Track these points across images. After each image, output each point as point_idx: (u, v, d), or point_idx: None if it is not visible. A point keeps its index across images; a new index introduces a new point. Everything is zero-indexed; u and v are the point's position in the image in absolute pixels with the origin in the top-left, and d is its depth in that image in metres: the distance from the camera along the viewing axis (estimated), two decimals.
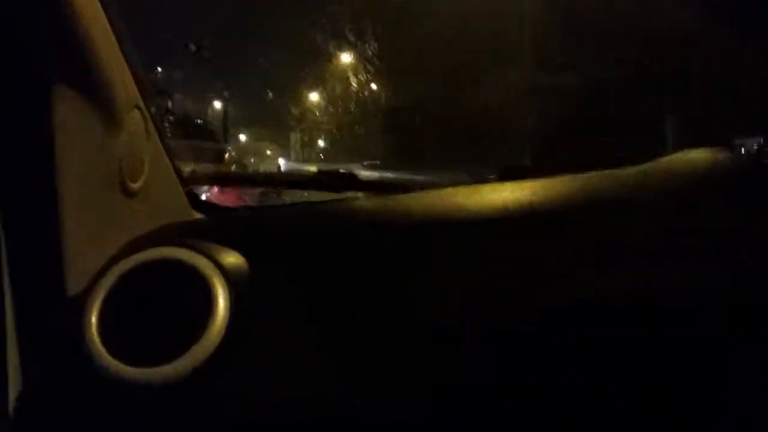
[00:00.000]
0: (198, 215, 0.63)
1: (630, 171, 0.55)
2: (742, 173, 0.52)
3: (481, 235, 0.51)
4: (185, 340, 0.43)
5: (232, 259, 0.48)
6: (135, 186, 0.51)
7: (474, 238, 0.51)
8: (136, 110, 0.50)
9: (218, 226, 0.60)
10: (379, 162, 20.25)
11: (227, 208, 0.68)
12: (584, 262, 0.48)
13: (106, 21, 0.45)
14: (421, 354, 0.46)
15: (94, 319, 0.44)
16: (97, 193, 0.47)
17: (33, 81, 0.42)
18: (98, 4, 0.44)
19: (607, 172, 0.55)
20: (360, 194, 0.70)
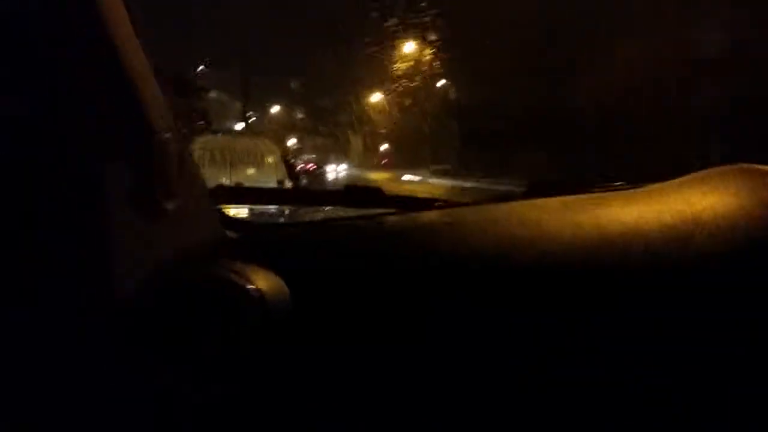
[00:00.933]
0: (229, 233, 0.71)
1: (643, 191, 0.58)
2: None
3: (511, 254, 0.54)
4: (219, 358, 0.49)
5: (265, 278, 0.53)
6: (168, 206, 0.58)
7: (503, 258, 0.54)
8: (169, 133, 0.59)
9: (250, 245, 0.67)
10: (450, 167, 19.96)
11: (258, 225, 0.75)
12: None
13: (140, 49, 0.53)
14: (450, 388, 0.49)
15: (126, 339, 0.50)
16: (132, 214, 0.54)
17: (72, 101, 0.50)
18: (133, 33, 0.52)
19: (624, 190, 0.56)
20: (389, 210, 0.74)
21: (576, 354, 0.49)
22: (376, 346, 0.52)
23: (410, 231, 0.64)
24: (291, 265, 0.56)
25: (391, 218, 0.71)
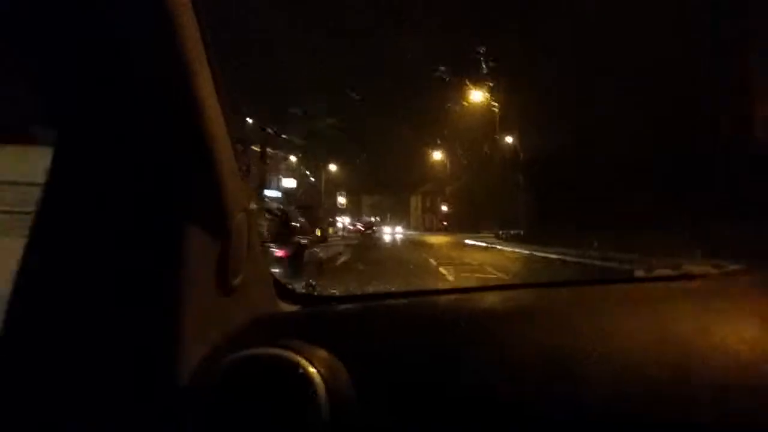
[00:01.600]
0: (286, 306, 0.80)
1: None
2: None
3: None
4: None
5: (325, 357, 0.58)
6: (235, 282, 0.65)
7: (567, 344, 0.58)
8: (243, 213, 0.67)
9: (309, 322, 0.73)
10: (521, 232, 18.85)
11: (313, 298, 0.84)
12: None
13: (227, 135, 0.62)
14: None
15: (196, 415, 0.53)
16: (202, 290, 0.61)
17: (160, 189, 0.56)
18: (223, 121, 0.61)
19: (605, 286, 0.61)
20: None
21: None
22: (422, 414, 0.55)
23: (469, 313, 0.68)
24: (349, 345, 0.61)
25: (449, 297, 0.76)
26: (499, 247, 16.43)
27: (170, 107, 0.54)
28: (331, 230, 26.25)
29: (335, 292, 0.90)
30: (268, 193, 30.30)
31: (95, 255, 0.57)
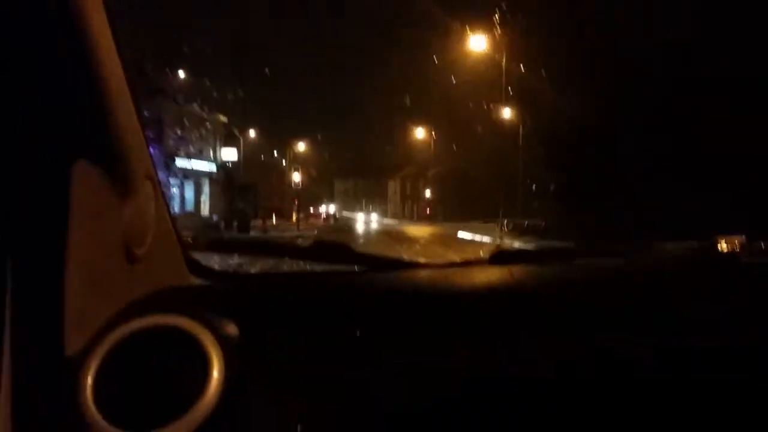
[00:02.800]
0: (197, 280, 0.90)
1: (613, 263, 0.73)
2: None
3: (467, 312, 0.72)
4: (180, 407, 0.59)
5: (228, 327, 0.68)
6: (139, 251, 0.74)
7: (461, 316, 0.72)
8: (147, 180, 0.76)
9: (216, 293, 0.84)
10: (543, 224, 17.10)
11: (226, 274, 0.94)
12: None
13: (129, 97, 0.70)
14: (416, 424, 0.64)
15: (90, 382, 0.60)
16: (102, 257, 0.66)
17: (54, 150, 0.61)
18: (123, 79, 0.68)
19: (590, 261, 0.74)
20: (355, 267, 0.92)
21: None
22: (326, 387, 0.66)
23: (372, 288, 0.81)
24: (249, 313, 0.71)
25: (352, 277, 0.88)
26: (517, 244, 13.95)
27: (61, 59, 0.57)
28: (273, 220, 25.19)
29: (253, 270, 1.01)
30: (199, 164, 27.30)
31: None
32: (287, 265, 1.00)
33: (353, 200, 55.52)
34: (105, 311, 0.67)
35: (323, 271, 0.89)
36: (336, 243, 1.02)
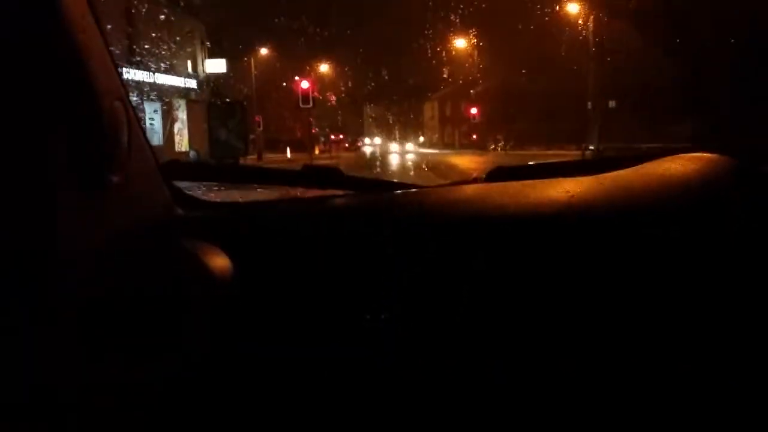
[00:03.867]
0: (182, 211, 0.97)
1: (611, 175, 0.85)
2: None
3: (460, 233, 0.78)
4: (166, 340, 0.67)
5: (216, 257, 0.76)
6: (115, 178, 0.80)
7: (453, 237, 0.78)
8: (117, 102, 0.81)
9: (200, 223, 0.92)
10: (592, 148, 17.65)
11: (211, 204, 1.01)
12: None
13: (91, 15, 0.76)
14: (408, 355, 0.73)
15: (74, 314, 0.67)
16: (73, 182, 0.71)
17: (17, 67, 0.65)
18: (87, 4, 0.74)
19: (586, 177, 0.85)
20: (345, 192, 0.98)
21: None
22: (318, 313, 0.74)
23: (364, 211, 0.87)
24: (238, 244, 0.79)
25: (344, 199, 0.94)
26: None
27: None
28: (288, 154, 23.92)
29: (241, 200, 1.09)
30: (168, 80, 22.45)
31: None
32: (276, 193, 1.07)
33: (385, 127, 55.41)
34: (83, 242, 0.74)
35: (314, 197, 0.96)
36: (326, 167, 1.08)
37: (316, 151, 31.48)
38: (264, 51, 31.58)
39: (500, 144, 35.28)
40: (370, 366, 0.75)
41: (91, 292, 0.70)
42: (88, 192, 0.75)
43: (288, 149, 26.40)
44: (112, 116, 0.79)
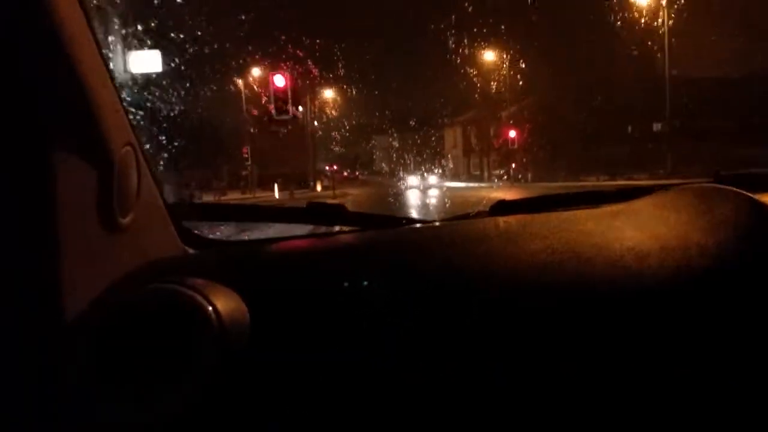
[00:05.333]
0: (190, 250, 1.16)
1: (611, 209, 1.04)
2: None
3: (468, 269, 0.96)
4: (174, 378, 0.77)
5: (223, 295, 0.86)
6: (124, 221, 0.95)
7: (461, 273, 0.95)
8: (127, 147, 0.98)
9: (210, 262, 1.09)
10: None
11: (220, 243, 1.21)
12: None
13: (101, 62, 0.87)
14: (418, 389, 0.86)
15: (85, 353, 0.78)
16: (87, 228, 0.84)
17: (30, 118, 0.77)
18: (95, 47, 0.85)
19: (588, 210, 1.04)
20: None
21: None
22: (324, 353, 0.88)
23: (369, 249, 1.06)
24: (249, 283, 0.94)
25: (350, 236, 1.13)
26: None
27: (30, 32, 0.74)
28: (276, 193, 22.13)
29: (246, 237, 1.29)
30: None
31: None
32: (280, 230, 1.27)
33: (397, 159, 55.19)
34: (96, 284, 0.89)
35: (320, 233, 1.15)
36: (330, 204, 1.27)
37: (318, 188, 31.38)
38: (257, 72, 30.23)
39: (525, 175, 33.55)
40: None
41: (100, 335, 0.82)
42: (99, 235, 0.91)
43: (276, 186, 25.19)
44: (122, 162, 0.95)
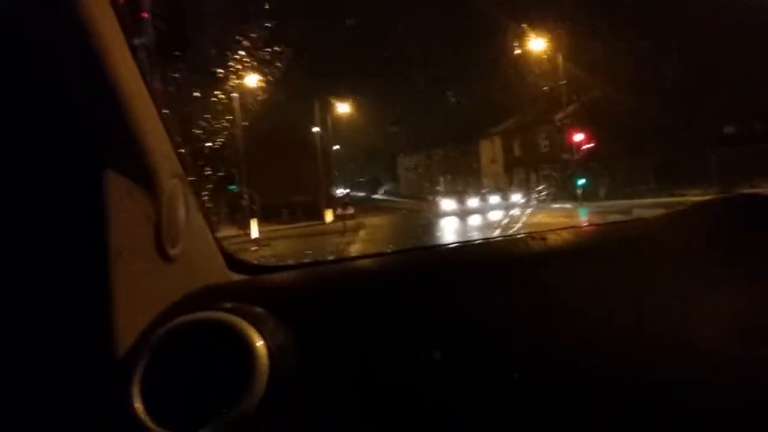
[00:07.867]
0: (236, 276, 1.40)
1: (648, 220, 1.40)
2: None
3: (511, 289, 1.23)
4: (225, 404, 0.91)
5: (272, 321, 1.04)
6: (173, 251, 1.13)
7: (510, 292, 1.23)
8: (176, 180, 1.18)
9: (257, 288, 1.31)
10: None
11: (266, 268, 1.46)
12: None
13: (149, 98, 1.05)
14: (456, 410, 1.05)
15: (137, 382, 0.93)
16: (138, 258, 1.02)
17: (85, 153, 0.95)
18: (142, 82, 1.02)
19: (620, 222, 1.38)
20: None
21: None
22: (369, 379, 1.05)
23: (416, 273, 1.31)
24: (292, 307, 1.15)
25: (396, 257, 1.40)
26: None
27: (78, 68, 0.87)
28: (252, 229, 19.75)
29: (291, 262, 1.57)
30: None
31: (18, 229, 0.95)
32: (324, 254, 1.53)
33: (426, 178, 53.90)
34: (147, 313, 1.06)
35: (361, 256, 1.40)
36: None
37: (328, 218, 30.86)
38: (255, 79, 27.88)
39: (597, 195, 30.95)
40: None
41: (150, 363, 0.97)
42: (150, 267, 1.09)
43: (253, 223, 23.06)
44: (171, 194, 1.15)
